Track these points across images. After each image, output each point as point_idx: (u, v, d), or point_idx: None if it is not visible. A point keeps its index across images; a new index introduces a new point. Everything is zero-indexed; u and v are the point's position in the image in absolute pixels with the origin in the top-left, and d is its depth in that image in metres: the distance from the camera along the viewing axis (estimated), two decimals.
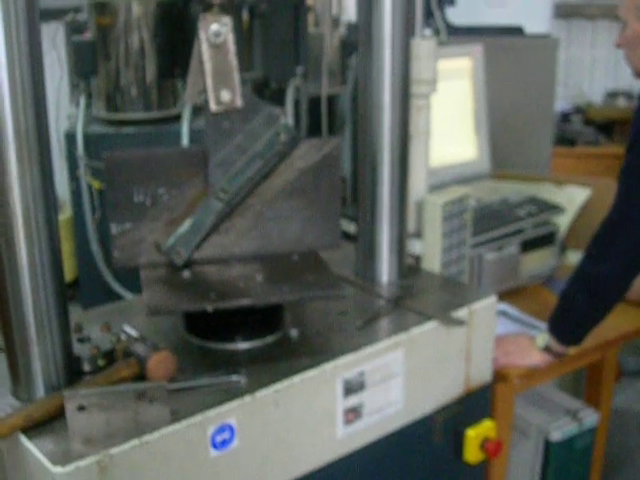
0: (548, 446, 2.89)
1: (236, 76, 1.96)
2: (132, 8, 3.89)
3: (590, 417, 2.94)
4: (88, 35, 4.02)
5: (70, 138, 3.94)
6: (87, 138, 3.92)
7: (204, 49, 1.93)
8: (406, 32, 2.29)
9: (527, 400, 2.98)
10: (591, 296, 2.40)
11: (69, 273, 4.48)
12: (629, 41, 2.48)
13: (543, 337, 2.50)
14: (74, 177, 3.97)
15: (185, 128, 3.88)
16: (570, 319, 2.47)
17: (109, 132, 3.99)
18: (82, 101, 4.04)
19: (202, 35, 1.92)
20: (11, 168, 1.68)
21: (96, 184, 3.90)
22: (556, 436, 2.86)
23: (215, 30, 1.91)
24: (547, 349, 2.50)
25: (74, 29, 4.23)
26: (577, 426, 2.90)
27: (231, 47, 1.94)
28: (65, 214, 4.75)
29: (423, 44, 2.47)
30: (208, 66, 1.93)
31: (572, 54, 6.89)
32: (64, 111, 4.69)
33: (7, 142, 1.66)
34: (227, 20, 1.93)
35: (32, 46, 1.66)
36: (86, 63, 3.95)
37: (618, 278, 2.38)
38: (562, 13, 6.60)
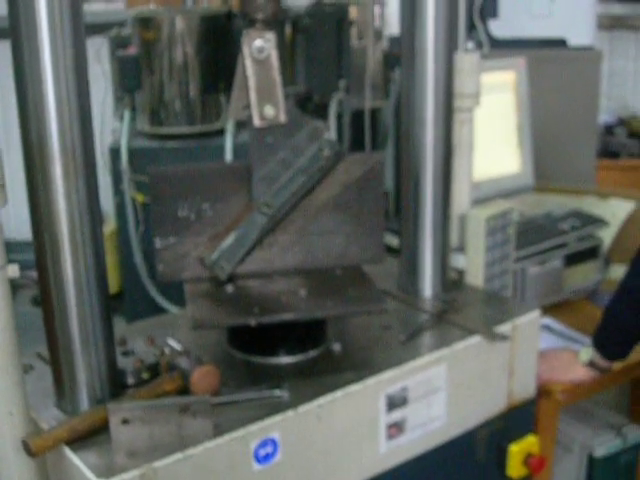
0: (592, 462, 2.87)
1: (280, 91, 1.97)
2: (176, 23, 3.91)
3: (634, 433, 2.91)
4: (132, 50, 4.05)
5: (114, 152, 3.97)
6: (131, 152, 3.94)
7: (248, 64, 1.94)
8: (449, 46, 2.29)
9: (571, 415, 2.95)
10: (636, 310, 2.38)
11: (113, 286, 4.50)
12: None
13: (587, 352, 2.48)
14: (118, 191, 3.99)
15: (229, 142, 3.89)
16: (615, 334, 2.45)
17: (153, 146, 4.01)
18: (126, 115, 4.06)
19: (246, 51, 1.94)
20: (57, 182, 1.69)
21: (140, 198, 3.92)
22: (600, 452, 2.84)
23: (259, 46, 1.93)
24: (591, 364, 2.48)
25: (118, 44, 4.25)
26: (621, 442, 2.88)
27: (275, 63, 1.95)
28: (109, 227, 4.78)
29: (466, 58, 2.47)
30: (252, 81, 1.94)
31: (615, 66, 6.85)
32: (108, 125, 4.71)
33: (53, 157, 1.68)
34: (271, 36, 1.94)
35: (78, 61, 1.67)
36: (130, 77, 3.97)
37: None
38: (605, 24, 6.56)
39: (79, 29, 1.67)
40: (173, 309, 3.90)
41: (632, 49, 6.93)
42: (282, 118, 1.99)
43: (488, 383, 2.23)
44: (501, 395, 2.28)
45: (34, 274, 1.80)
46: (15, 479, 1.75)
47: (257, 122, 1.98)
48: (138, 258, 4.05)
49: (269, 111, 1.97)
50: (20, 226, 4.53)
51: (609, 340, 2.47)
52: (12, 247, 1.71)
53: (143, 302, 4.06)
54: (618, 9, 6.84)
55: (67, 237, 1.73)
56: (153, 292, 4.06)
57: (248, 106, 1.97)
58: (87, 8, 5.53)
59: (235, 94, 1.99)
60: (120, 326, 2.14)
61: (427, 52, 2.27)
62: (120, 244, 4.15)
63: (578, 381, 2.51)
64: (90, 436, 1.74)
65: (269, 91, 1.96)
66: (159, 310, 3.91)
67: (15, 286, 1.72)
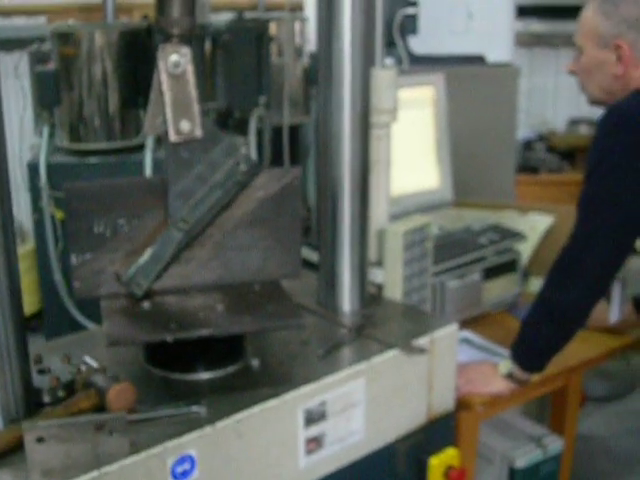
0: (513, 473, 2.89)
1: (196, 106, 1.96)
2: (95, 38, 3.89)
3: (555, 443, 2.94)
4: (51, 65, 4.01)
5: (33, 168, 3.92)
6: (50, 168, 3.91)
7: (163, 79, 1.93)
8: (366, 62, 2.30)
9: (491, 427, 2.98)
10: (553, 323, 2.42)
11: (33, 304, 4.45)
12: (585, 68, 2.52)
13: (506, 364, 2.51)
14: (37, 207, 3.95)
15: (148, 158, 3.88)
16: (532, 346, 2.48)
17: (72, 162, 3.98)
18: (45, 131, 4.02)
19: (161, 65, 1.93)
20: None
21: (59, 214, 3.88)
22: (521, 463, 2.87)
23: (174, 61, 1.92)
24: (510, 376, 2.51)
25: (38, 59, 4.21)
26: (542, 452, 2.91)
27: (190, 78, 1.94)
28: (28, 245, 4.73)
29: (383, 74, 2.48)
30: (167, 96, 1.94)
31: (535, 82, 6.95)
32: (27, 141, 4.67)
33: None
34: (186, 51, 1.93)
35: None
36: (49, 93, 3.94)
37: (580, 306, 2.40)
38: (525, 42, 6.66)
39: None
40: (93, 326, 3.86)
41: (552, 66, 7.03)
42: (198, 133, 1.98)
43: (407, 396, 2.24)
44: (420, 408, 2.29)
45: None
46: None
47: (173, 137, 1.97)
48: (57, 276, 4.01)
49: (185, 126, 1.96)
50: None
51: (527, 353, 2.50)
52: None
53: (63, 320, 4.01)
54: (537, 27, 6.94)
55: None
56: (73, 310, 4.02)
57: (164, 121, 1.97)
58: (8, 22, 5.49)
59: (151, 109, 1.98)
60: (37, 344, 2.11)
61: (343, 68, 2.27)
62: (39, 262, 4.10)
63: (497, 393, 2.53)
64: (5, 456, 1.71)
65: (185, 106, 1.95)
66: (79, 328, 3.87)
67: None
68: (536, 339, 2.47)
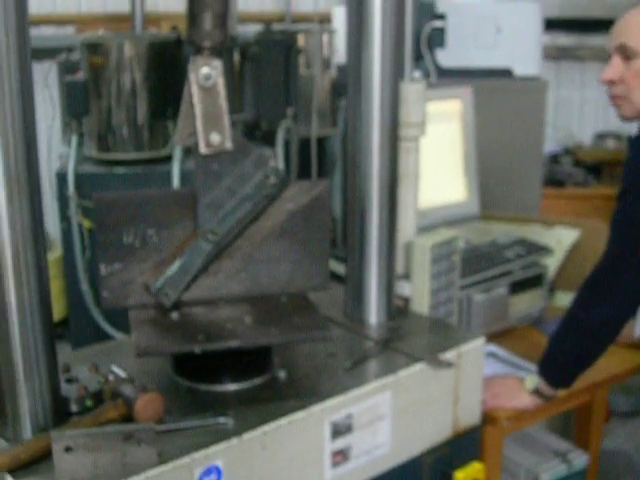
0: None
1: (226, 119, 1.97)
2: (124, 48, 3.90)
3: (579, 459, 2.93)
4: (80, 75, 4.03)
5: (61, 177, 3.94)
6: (78, 178, 3.92)
7: (194, 92, 1.94)
8: (395, 75, 2.31)
9: (516, 442, 2.97)
10: (583, 341, 2.41)
11: (59, 312, 4.47)
12: None
13: (532, 379, 2.50)
14: (65, 216, 3.96)
15: (176, 169, 3.89)
16: (560, 363, 2.47)
17: (100, 172, 3.99)
18: (74, 140, 4.03)
19: (192, 78, 1.94)
20: (1, 209, 1.68)
21: (87, 224, 3.90)
22: (545, 478, 2.85)
23: (205, 73, 1.93)
24: (536, 391, 2.50)
25: (67, 69, 4.23)
26: (566, 468, 2.89)
27: (221, 90, 1.95)
28: (56, 253, 4.74)
29: (412, 87, 2.49)
30: (198, 109, 1.94)
31: (562, 96, 6.93)
32: (56, 150, 4.69)
33: None
34: (217, 63, 1.94)
35: (23, 85, 1.66)
36: (78, 103, 3.95)
37: (611, 324, 2.38)
38: (552, 55, 6.64)
39: (25, 53, 1.66)
40: (119, 336, 3.87)
41: (578, 79, 7.01)
42: (228, 145, 1.99)
43: (433, 410, 2.24)
44: (446, 422, 2.29)
45: None
46: None
47: (203, 149, 1.98)
48: (84, 284, 4.02)
49: (215, 138, 1.97)
50: None
51: (554, 369, 2.49)
52: None
53: (89, 328, 4.03)
54: (564, 40, 6.93)
55: (11, 263, 1.71)
56: (99, 318, 4.03)
57: (194, 133, 1.97)
58: (37, 32, 5.52)
59: (181, 121, 1.98)
60: (65, 353, 2.12)
61: (373, 81, 2.28)
62: (66, 270, 4.11)
63: (523, 408, 2.52)
64: (33, 464, 1.72)
65: (215, 118, 1.96)
66: (105, 336, 3.88)
67: None
68: (564, 356, 2.46)
